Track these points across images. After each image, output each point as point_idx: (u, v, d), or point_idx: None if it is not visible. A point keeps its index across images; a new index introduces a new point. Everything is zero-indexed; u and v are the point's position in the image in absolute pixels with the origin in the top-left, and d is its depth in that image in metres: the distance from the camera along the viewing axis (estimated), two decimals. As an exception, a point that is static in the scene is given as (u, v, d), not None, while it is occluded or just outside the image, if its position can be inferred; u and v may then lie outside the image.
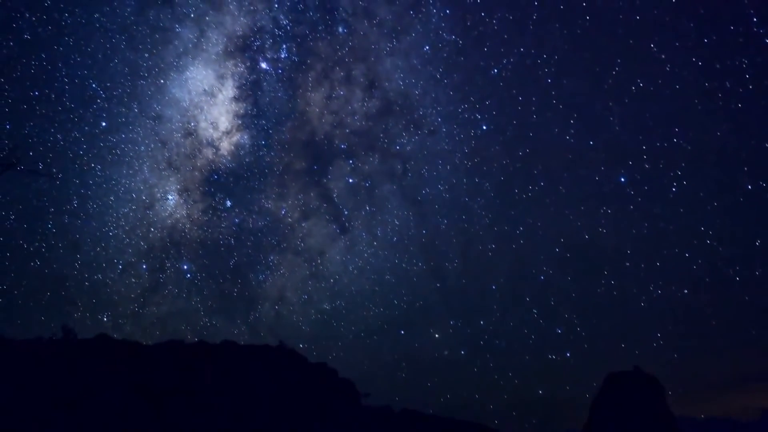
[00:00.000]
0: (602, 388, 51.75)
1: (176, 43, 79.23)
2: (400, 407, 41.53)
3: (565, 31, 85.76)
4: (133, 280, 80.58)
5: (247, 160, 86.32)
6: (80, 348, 30.76)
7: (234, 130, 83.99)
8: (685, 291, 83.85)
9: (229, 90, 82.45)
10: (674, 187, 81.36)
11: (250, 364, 34.66)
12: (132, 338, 33.12)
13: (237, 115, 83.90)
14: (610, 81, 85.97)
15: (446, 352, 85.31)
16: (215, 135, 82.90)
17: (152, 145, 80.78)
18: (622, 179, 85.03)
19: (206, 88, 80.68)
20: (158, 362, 31.82)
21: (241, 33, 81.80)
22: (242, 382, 33.60)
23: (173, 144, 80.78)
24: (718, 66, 79.87)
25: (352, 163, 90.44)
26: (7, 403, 26.44)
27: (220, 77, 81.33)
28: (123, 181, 79.01)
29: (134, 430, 28.48)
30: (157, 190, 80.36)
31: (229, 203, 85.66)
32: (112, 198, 78.32)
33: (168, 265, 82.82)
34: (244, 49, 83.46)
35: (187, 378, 31.94)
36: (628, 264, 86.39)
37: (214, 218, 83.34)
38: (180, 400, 30.90)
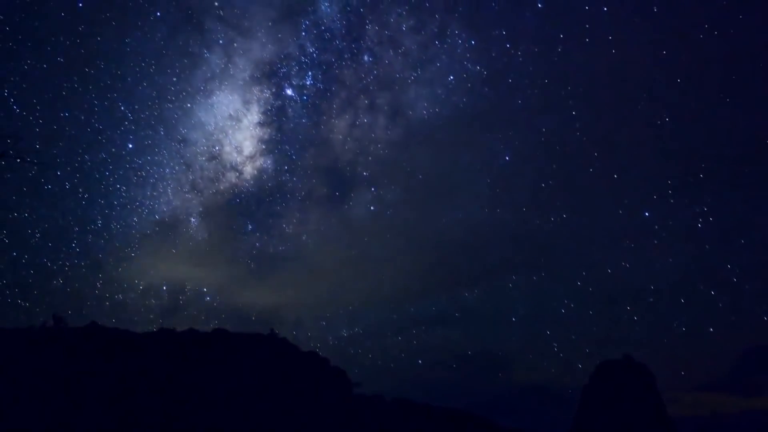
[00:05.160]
0: (593, 377, 52.07)
1: (204, 68, 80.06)
2: (391, 396, 41.78)
3: (591, 63, 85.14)
4: (153, 300, 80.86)
5: (269, 184, 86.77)
6: (72, 336, 30.91)
7: (258, 155, 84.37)
8: (711, 329, 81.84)
9: (254, 115, 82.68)
10: (700, 223, 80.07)
11: (241, 351, 34.83)
12: (123, 326, 33.19)
13: (261, 140, 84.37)
14: (636, 114, 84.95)
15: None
16: (239, 159, 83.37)
17: (177, 168, 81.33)
18: (647, 213, 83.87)
19: (232, 113, 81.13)
20: (149, 350, 31.98)
21: (267, 60, 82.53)
22: (234, 369, 33.77)
23: (197, 167, 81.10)
24: (749, 102, 78.87)
25: (374, 190, 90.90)
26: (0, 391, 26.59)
27: (246, 102, 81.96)
28: (147, 202, 79.35)
29: (126, 416, 28.64)
30: (180, 212, 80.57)
31: (250, 227, 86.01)
32: (135, 219, 78.45)
33: (188, 287, 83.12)
34: (270, 75, 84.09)
35: (178, 365, 32.10)
36: (651, 299, 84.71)
37: (235, 242, 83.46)
38: (172, 386, 31.06)
